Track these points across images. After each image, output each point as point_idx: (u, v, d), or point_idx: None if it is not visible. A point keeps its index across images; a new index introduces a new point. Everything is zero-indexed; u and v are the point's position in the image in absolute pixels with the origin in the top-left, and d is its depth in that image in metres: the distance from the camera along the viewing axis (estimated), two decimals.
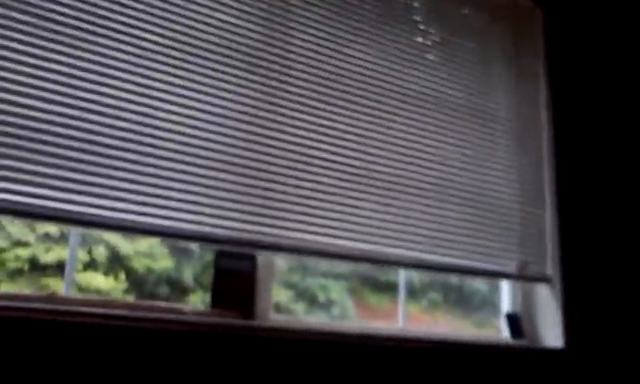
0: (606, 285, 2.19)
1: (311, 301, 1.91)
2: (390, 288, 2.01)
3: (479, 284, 2.21)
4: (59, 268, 1.57)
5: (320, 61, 1.85)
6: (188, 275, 1.75)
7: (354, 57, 1.91)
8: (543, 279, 2.09)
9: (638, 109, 2.54)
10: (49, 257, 1.58)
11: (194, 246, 1.75)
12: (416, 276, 2.08)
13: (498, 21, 2.29)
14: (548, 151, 2.24)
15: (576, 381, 2.01)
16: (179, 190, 1.56)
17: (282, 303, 1.86)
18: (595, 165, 2.33)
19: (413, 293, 2.09)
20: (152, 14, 1.63)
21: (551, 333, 2.06)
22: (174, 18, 1.65)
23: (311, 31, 1.86)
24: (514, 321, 2.08)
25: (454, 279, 2.16)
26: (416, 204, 1.90)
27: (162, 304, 1.62)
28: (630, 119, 2.51)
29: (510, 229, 2.08)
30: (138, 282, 1.67)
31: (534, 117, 2.27)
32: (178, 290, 1.73)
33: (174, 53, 1.64)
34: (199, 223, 1.58)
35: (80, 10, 1.53)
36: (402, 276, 2.02)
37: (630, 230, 2.33)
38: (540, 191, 2.19)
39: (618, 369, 2.12)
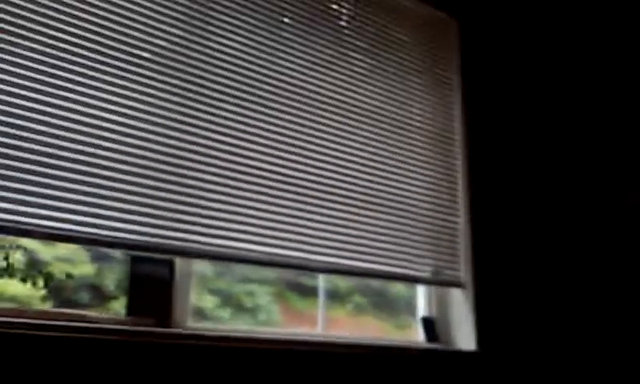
0: (517, 289, 2.30)
1: (237, 306, 1.91)
2: (316, 293, 2.04)
3: (402, 288, 2.27)
4: None
5: (241, 67, 1.85)
6: (110, 281, 1.72)
7: (275, 63, 1.93)
8: (456, 284, 2.17)
9: (550, 117, 2.67)
10: None
11: (115, 252, 1.71)
12: (342, 281, 2.12)
13: (416, 31, 2.36)
14: (461, 159, 2.32)
15: (488, 383, 2.09)
16: (94, 195, 1.54)
17: (208, 309, 1.85)
18: (507, 173, 2.44)
19: (339, 297, 2.13)
20: (69, 15, 1.60)
21: (464, 336, 2.14)
22: (90, 18, 1.63)
23: (233, 36, 1.86)
24: (429, 324, 2.15)
25: (378, 283, 2.20)
26: (335, 210, 1.94)
27: (74, 311, 1.59)
28: (542, 127, 2.64)
29: (425, 235, 2.14)
30: (57, 289, 1.62)
31: (449, 125, 2.34)
32: (99, 296, 1.70)
33: (88, 54, 1.62)
34: (114, 229, 1.56)
35: None
36: (322, 281, 2.05)
37: (540, 236, 2.45)
38: (453, 198, 2.27)
39: (528, 370, 2.22)
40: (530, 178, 2.51)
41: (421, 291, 2.27)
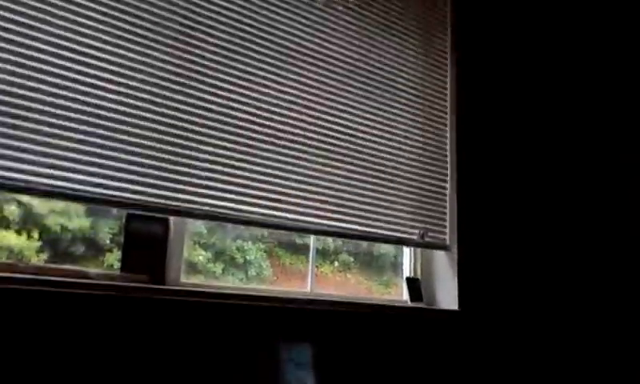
0: (499, 253, 2.34)
1: (229, 262, 1.95)
2: (305, 250, 2.09)
3: (388, 248, 2.32)
4: None
5: (237, 29, 1.85)
6: (105, 234, 1.75)
7: (270, 25, 1.93)
8: (441, 247, 2.22)
9: (542, 86, 2.68)
10: None
11: None
12: (329, 239, 2.16)
13: None
14: (451, 124, 2.33)
15: (469, 341, 2.16)
16: (91, 154, 1.56)
17: (200, 264, 1.89)
18: (496, 139, 2.45)
19: (326, 255, 2.17)
20: None
21: (447, 296, 2.19)
22: None
23: None
24: (413, 284, 2.21)
25: (365, 243, 2.24)
26: (325, 173, 1.97)
27: (69, 267, 1.62)
28: (534, 93, 2.65)
29: (413, 198, 2.17)
30: (52, 241, 1.65)
31: (440, 89, 2.35)
32: (94, 249, 1.72)
33: (83, 11, 1.61)
34: (111, 187, 1.58)
35: None
36: (313, 240, 2.10)
37: (524, 202, 2.49)
38: (442, 163, 2.29)
39: (507, 330, 2.29)
40: (519, 145, 2.54)
41: (406, 252, 2.31)
